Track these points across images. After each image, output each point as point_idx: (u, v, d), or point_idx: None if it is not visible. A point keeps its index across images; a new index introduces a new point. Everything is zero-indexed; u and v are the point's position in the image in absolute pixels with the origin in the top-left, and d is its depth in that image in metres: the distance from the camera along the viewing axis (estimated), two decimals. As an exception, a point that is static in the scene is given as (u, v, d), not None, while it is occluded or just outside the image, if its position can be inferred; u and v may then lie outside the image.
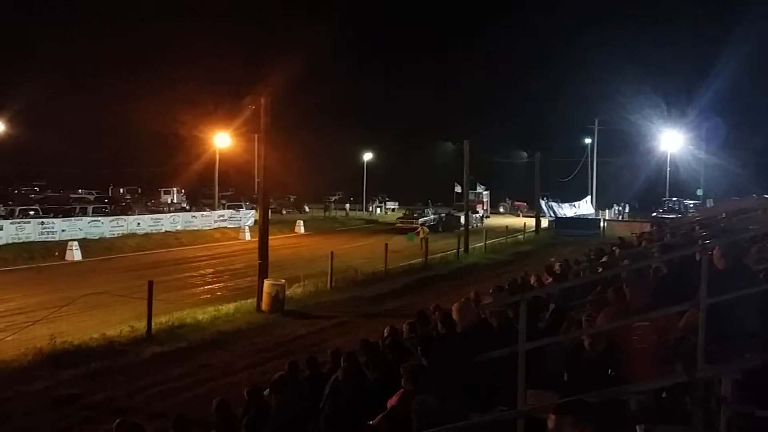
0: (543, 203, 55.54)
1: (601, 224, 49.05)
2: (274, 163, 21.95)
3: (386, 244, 27.40)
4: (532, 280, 13.51)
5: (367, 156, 70.91)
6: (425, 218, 46.73)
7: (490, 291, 12.04)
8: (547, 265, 14.81)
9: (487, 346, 7.08)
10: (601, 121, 61.53)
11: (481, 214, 55.07)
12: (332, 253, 23.82)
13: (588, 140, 63.27)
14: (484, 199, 62.79)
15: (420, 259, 29.75)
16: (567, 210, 61.73)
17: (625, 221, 53.62)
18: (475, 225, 48.14)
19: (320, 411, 7.88)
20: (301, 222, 47.73)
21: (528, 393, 5.79)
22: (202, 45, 78.85)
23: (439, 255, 32.00)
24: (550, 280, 12.99)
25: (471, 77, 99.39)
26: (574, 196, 64.33)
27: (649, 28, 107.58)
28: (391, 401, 6.54)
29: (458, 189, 67.84)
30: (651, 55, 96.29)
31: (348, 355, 8.78)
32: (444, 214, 50.47)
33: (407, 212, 51.11)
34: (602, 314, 7.20)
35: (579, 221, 52.33)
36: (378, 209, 69.72)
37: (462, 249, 33.74)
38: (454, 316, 7.88)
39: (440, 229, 46.04)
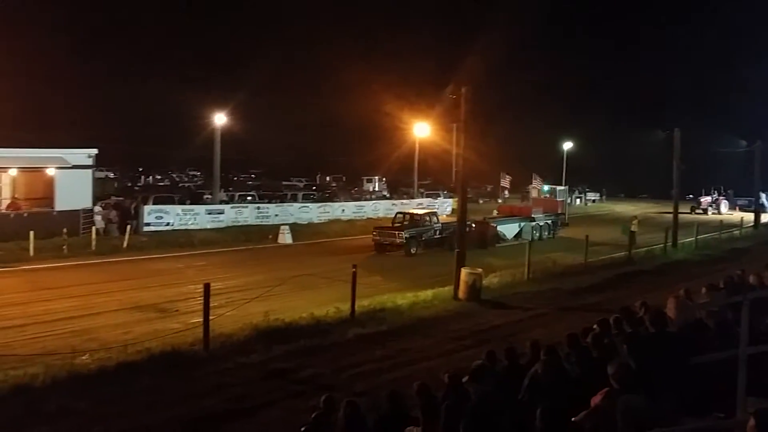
0: (764, 196, 50.88)
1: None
2: (472, 152, 21.94)
3: (587, 236, 26.46)
4: (751, 279, 12.40)
5: (568, 145, 68.60)
6: (418, 229, 30.23)
7: (703, 290, 11.22)
8: (770, 263, 13.54)
9: (703, 348, 6.64)
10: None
11: (546, 222, 36.72)
12: (529, 243, 23.45)
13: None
14: (559, 198, 44.48)
15: (623, 253, 28.44)
16: (793, 204, 56.12)
17: None
18: (536, 235, 34.69)
19: (518, 403, 7.79)
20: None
21: (748, 400, 5.35)
22: (405, 37, 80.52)
23: (643, 249, 30.43)
24: (774, 280, 11.85)
25: (682, 59, 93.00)
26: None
27: None
28: (595, 399, 6.32)
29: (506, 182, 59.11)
30: None
31: (548, 348, 8.59)
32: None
33: (400, 216, 32.25)
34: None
35: (807, 216, 47.35)
36: (578, 200, 67.64)
37: (669, 244, 31.82)
38: (669, 313, 7.46)
39: (448, 246, 28.36)
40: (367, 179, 66.70)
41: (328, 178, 73.02)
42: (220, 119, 38.14)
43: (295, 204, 41.09)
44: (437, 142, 51.30)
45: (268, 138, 64.18)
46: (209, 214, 34.83)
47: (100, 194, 33.60)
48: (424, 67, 60.82)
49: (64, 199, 29.50)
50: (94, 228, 28.40)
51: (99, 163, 32.74)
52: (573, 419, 6.29)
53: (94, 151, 31.07)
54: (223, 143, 38.76)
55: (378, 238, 29.88)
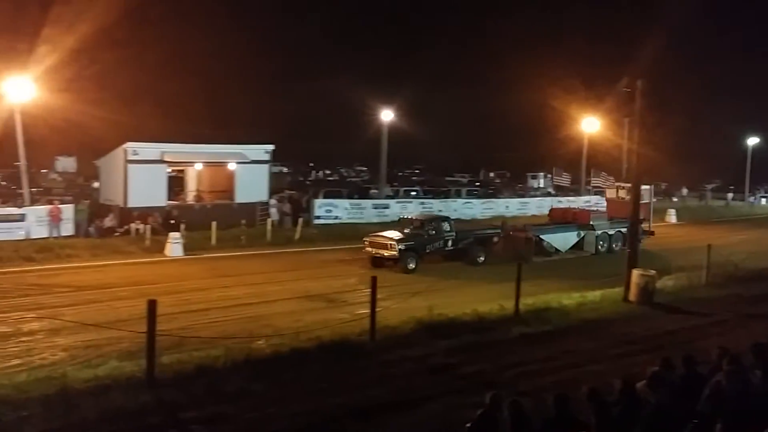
0: None
1: None
2: (645, 147, 20.91)
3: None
4: None
5: (753, 140, 63.02)
6: (419, 239, 24.34)
7: None
8: None
9: None
10: None
11: (618, 230, 29.43)
12: (709, 245, 22.02)
13: None
14: (644, 198, 30.41)
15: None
16: None
17: None
18: (602, 247, 28.88)
19: (697, 414, 7.38)
20: (673, 210, 44.98)
21: None
22: (575, 27, 78.15)
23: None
24: None
25: None
26: None
27: None
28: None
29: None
30: None
31: (732, 357, 8.08)
32: (484, 233, 27.14)
33: (405, 220, 26.29)
34: None
35: None
36: (763, 200, 62.66)
37: None
38: None
39: (468, 259, 25.23)
40: (532, 175, 65.59)
41: (492, 174, 72.51)
42: (387, 115, 38.96)
43: (458, 200, 41.24)
44: (607, 136, 49.44)
45: (432, 133, 64.62)
46: (375, 208, 35.76)
47: (275, 188, 35.34)
48: (595, 59, 58.49)
49: (243, 192, 31.40)
50: (269, 220, 30.01)
51: (274, 158, 34.43)
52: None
53: (271, 146, 32.76)
54: (389, 139, 39.59)
55: (370, 249, 24.38)
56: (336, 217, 33.77)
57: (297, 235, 29.33)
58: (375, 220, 34.46)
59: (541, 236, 27.39)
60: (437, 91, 70.92)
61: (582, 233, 28.67)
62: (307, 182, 55.14)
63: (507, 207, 41.06)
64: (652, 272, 19.47)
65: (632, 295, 18.95)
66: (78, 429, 9.62)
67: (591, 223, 29.04)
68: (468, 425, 7.49)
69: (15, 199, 30.09)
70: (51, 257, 23.48)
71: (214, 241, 26.93)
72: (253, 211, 30.75)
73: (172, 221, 27.72)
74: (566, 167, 57.25)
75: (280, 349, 13.26)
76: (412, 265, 23.47)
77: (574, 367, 13.10)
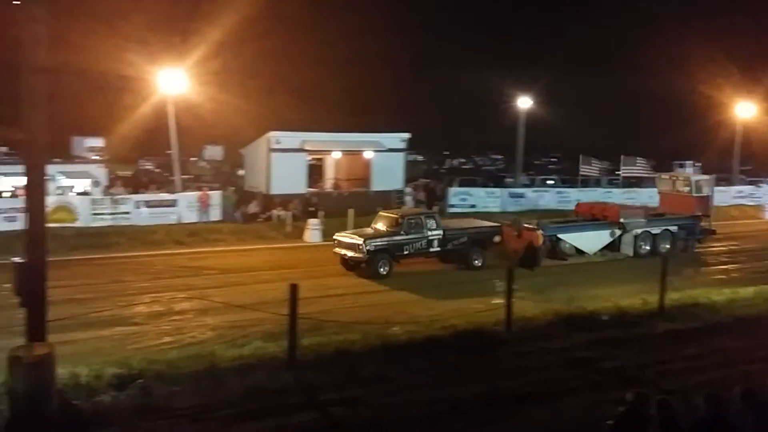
0: None
1: None
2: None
3: None
4: None
5: None
6: (393, 239, 21.04)
7: None
8: None
9: None
10: None
11: (665, 229, 25.19)
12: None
13: None
14: (696, 194, 27.33)
15: None
16: None
17: None
18: (643, 249, 24.39)
19: None
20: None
21: None
22: (725, 5, 73.24)
23: None
24: None
25: None
26: None
27: None
28: None
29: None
30: None
31: None
32: (481, 231, 22.95)
33: (384, 217, 22.44)
34: None
35: None
36: None
37: None
38: None
39: (462, 262, 22.04)
40: (679, 164, 62.25)
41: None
42: (524, 102, 38.26)
43: (598, 189, 39.88)
44: (765, 122, 46.11)
45: (571, 120, 62.89)
46: (511, 197, 35.30)
47: (410, 176, 35.59)
48: (750, 39, 54.66)
49: (379, 180, 31.88)
50: (404, 208, 30.24)
51: (410, 146, 34.62)
52: None
53: (407, 135, 33.02)
54: (527, 126, 38.90)
55: (338, 249, 21.60)
56: (471, 206, 33.60)
57: (432, 224, 29.42)
58: (511, 208, 34.03)
59: (558, 236, 23.41)
60: (576, 77, 68.82)
61: (618, 232, 24.30)
62: (442, 170, 55.17)
63: (650, 197, 39.13)
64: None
65: (791, 292, 17.62)
66: (224, 405, 10.04)
67: (621, 220, 24.30)
68: (610, 422, 7.21)
69: (167, 186, 31.95)
70: (200, 241, 24.82)
71: (351, 228, 27.45)
72: (389, 199, 31.11)
73: (312, 208, 28.55)
74: (719, 155, 53.96)
75: (414, 337, 13.33)
76: (383, 270, 20.58)
77: (725, 366, 12.35)
